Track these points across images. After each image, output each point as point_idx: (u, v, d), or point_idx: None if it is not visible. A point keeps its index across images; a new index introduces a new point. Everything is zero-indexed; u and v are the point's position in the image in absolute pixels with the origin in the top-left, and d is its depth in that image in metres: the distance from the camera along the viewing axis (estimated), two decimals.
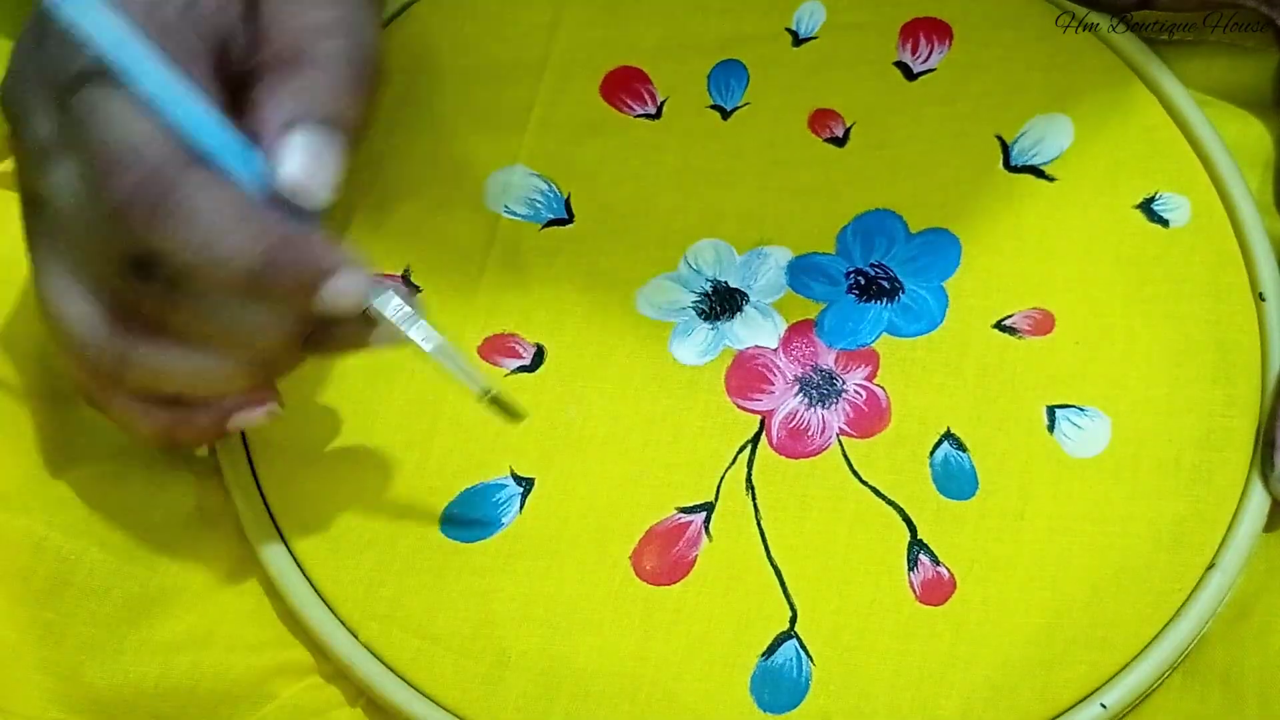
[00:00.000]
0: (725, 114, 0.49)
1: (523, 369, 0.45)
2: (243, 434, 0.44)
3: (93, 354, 0.37)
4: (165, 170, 0.34)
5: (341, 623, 0.41)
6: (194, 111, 0.34)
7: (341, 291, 0.35)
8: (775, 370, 0.45)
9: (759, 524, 0.42)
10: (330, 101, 0.36)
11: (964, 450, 0.43)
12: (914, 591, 0.41)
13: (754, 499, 0.43)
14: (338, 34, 0.36)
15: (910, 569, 0.41)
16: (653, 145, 0.48)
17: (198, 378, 0.37)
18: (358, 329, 0.37)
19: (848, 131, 0.48)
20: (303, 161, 0.35)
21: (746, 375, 0.45)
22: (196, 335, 0.36)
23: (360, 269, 0.36)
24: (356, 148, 0.37)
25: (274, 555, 0.42)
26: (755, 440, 0.43)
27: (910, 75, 0.49)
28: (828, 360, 0.45)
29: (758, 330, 0.45)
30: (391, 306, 0.37)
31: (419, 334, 0.37)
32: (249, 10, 0.37)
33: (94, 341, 0.36)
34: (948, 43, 0.50)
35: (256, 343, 0.37)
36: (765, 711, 0.40)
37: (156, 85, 0.34)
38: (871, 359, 0.45)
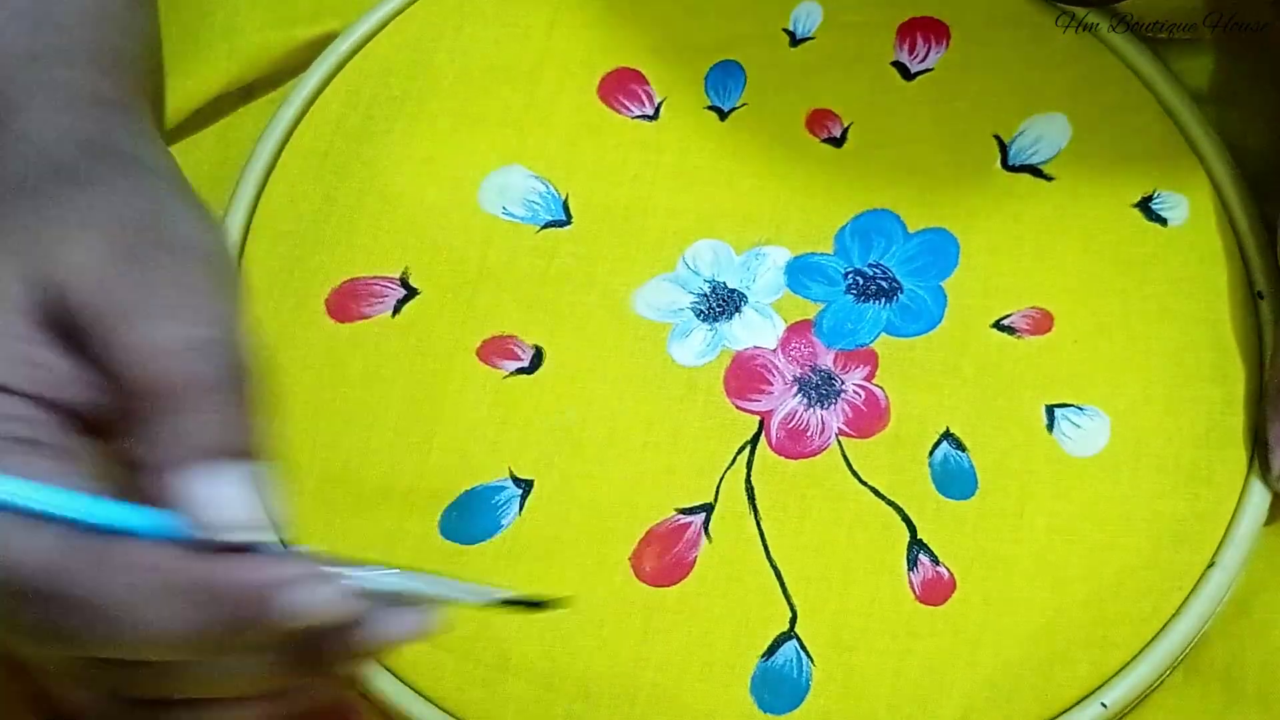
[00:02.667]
0: (723, 115, 0.49)
1: (521, 371, 0.45)
2: None
3: None
4: (57, 579, 0.29)
5: None
6: (58, 498, 0.30)
7: (304, 601, 0.30)
8: (774, 371, 0.45)
9: (758, 525, 0.42)
10: (226, 431, 0.31)
11: (963, 450, 0.43)
12: (914, 591, 0.41)
13: (753, 500, 0.43)
14: (210, 352, 0.31)
15: (910, 569, 0.41)
16: (650, 146, 0.48)
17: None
18: (364, 628, 0.32)
19: (845, 131, 0.48)
20: (220, 505, 0.30)
21: (745, 376, 0.44)
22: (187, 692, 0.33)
23: (311, 566, 0.31)
24: (266, 451, 0.32)
25: None
26: (754, 441, 0.43)
27: (908, 75, 0.49)
28: (826, 361, 0.45)
29: (756, 331, 0.45)
30: (376, 578, 0.31)
31: (421, 583, 0.33)
32: (67, 348, 0.32)
33: None
34: (945, 42, 0.50)
35: (252, 688, 0.33)
36: (766, 712, 0.40)
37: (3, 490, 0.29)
38: (870, 359, 0.45)
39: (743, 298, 0.46)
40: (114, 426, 0.32)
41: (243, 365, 0.32)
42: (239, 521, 0.30)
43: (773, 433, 0.43)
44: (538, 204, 0.48)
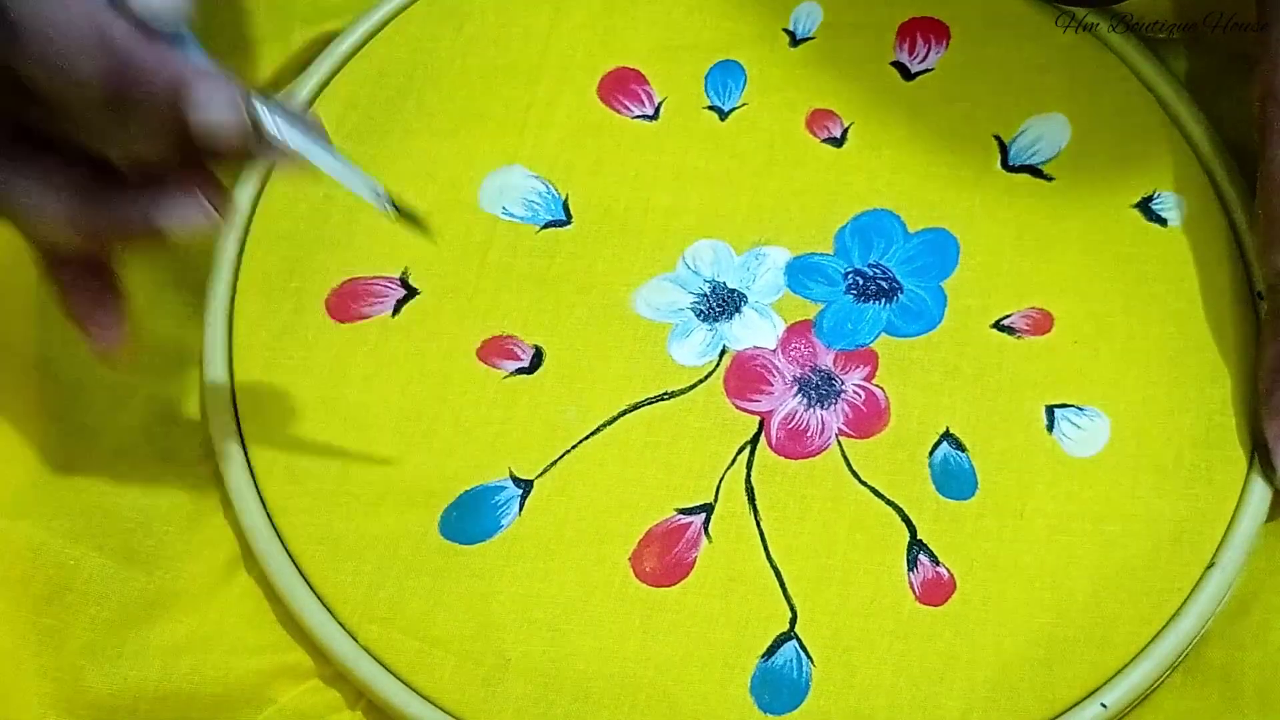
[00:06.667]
0: (723, 115, 0.49)
1: (521, 371, 0.45)
2: (240, 437, 0.44)
3: None
4: None
5: (341, 625, 0.41)
6: None
7: (208, 102, 0.34)
8: (774, 371, 0.45)
9: (758, 525, 0.42)
10: None
11: (963, 450, 0.43)
12: (914, 592, 0.41)
13: (753, 500, 0.43)
14: None
15: (910, 569, 0.41)
16: (650, 146, 0.48)
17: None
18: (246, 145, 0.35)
19: (845, 131, 0.48)
20: None
21: (745, 376, 0.44)
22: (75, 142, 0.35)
23: (225, 80, 0.34)
24: None
25: (273, 559, 0.42)
26: (754, 441, 0.43)
27: (908, 75, 0.49)
28: (826, 361, 0.45)
29: (756, 331, 0.45)
30: (270, 117, 0.35)
31: (300, 142, 0.35)
32: None
33: None
34: (945, 43, 0.50)
35: (135, 155, 0.35)
36: (765, 712, 0.40)
37: None
38: (870, 359, 0.45)
39: (743, 298, 0.46)
40: None
41: None
42: (167, 10, 0.34)
43: (773, 433, 0.43)
44: (538, 204, 0.48)
